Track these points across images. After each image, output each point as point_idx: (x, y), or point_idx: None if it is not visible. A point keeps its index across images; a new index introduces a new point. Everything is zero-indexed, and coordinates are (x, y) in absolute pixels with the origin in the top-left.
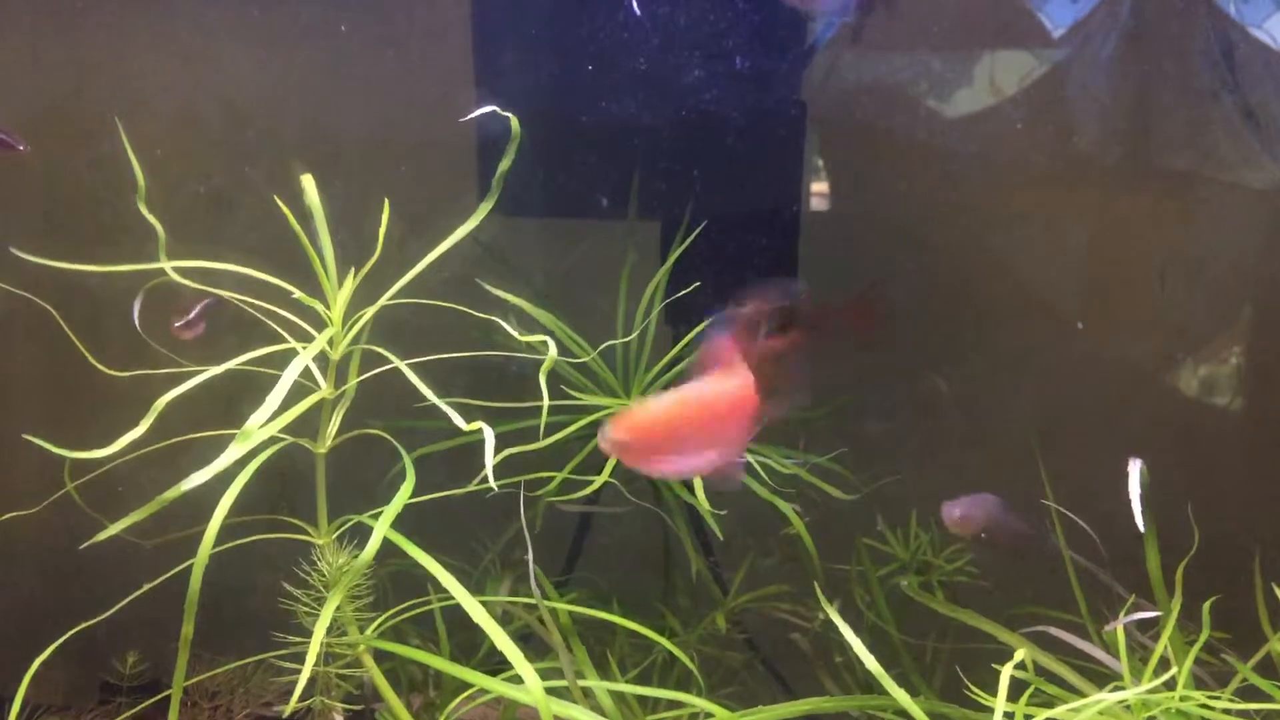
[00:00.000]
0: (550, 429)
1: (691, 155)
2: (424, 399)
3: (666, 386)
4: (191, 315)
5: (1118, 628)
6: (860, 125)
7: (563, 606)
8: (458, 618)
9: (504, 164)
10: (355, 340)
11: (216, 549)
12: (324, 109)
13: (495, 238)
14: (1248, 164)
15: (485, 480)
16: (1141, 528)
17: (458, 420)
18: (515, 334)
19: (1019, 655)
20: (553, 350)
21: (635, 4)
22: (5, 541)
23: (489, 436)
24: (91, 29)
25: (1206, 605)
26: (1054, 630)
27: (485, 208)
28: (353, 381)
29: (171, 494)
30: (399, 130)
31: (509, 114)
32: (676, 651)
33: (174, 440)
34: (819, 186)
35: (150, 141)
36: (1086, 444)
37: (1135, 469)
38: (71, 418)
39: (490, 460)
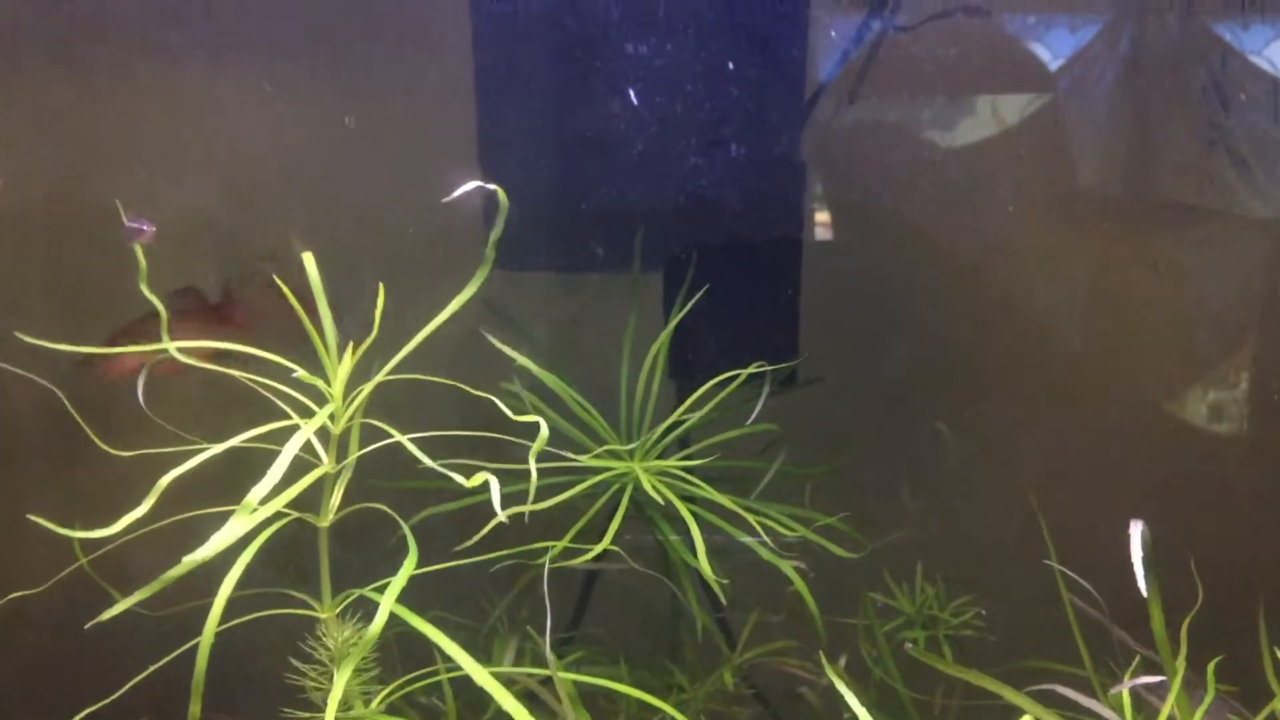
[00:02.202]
0: (554, 489)
1: (694, 216)
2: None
3: (671, 446)
4: None
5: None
6: (859, 169)
7: (570, 677)
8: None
9: (495, 232)
10: (355, 414)
11: (222, 626)
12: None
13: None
14: (1253, 194)
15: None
16: (1145, 591)
17: (460, 480)
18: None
19: None
20: (544, 431)
21: (633, 93)
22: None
23: (494, 488)
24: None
25: (1211, 666)
26: (1061, 689)
27: (482, 273)
28: (354, 455)
29: (175, 573)
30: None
31: (495, 186)
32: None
33: (176, 518)
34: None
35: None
36: (1096, 488)
37: (1137, 531)
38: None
39: (498, 500)
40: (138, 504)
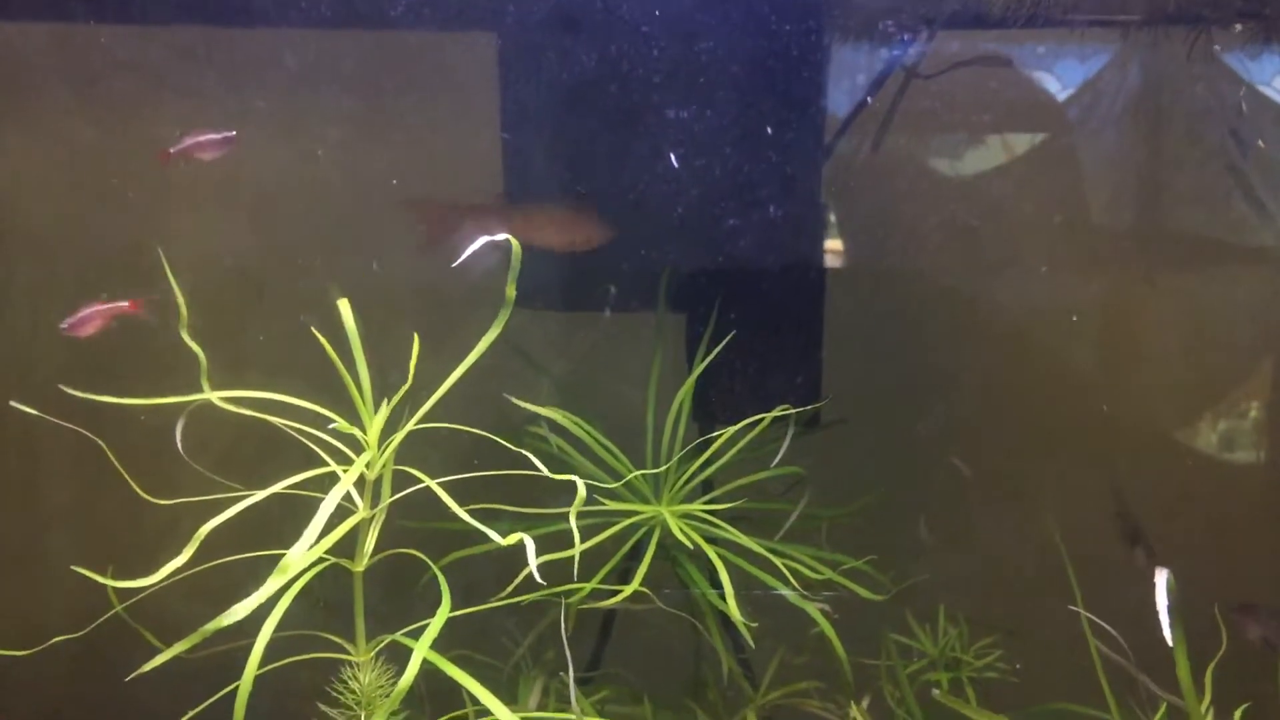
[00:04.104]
0: (582, 530)
1: (717, 257)
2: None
3: (696, 489)
4: None
5: None
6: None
7: None
8: None
9: (512, 276)
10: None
11: (261, 670)
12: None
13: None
14: (1265, 225)
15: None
16: (1170, 641)
17: (495, 538)
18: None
19: None
20: (582, 491)
21: (674, 158)
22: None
23: (530, 547)
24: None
25: (1238, 713)
26: None
27: (502, 318)
28: (387, 500)
29: (215, 625)
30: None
31: (508, 238)
32: None
33: (212, 564)
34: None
35: None
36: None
37: (1163, 579)
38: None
39: (534, 564)
40: None
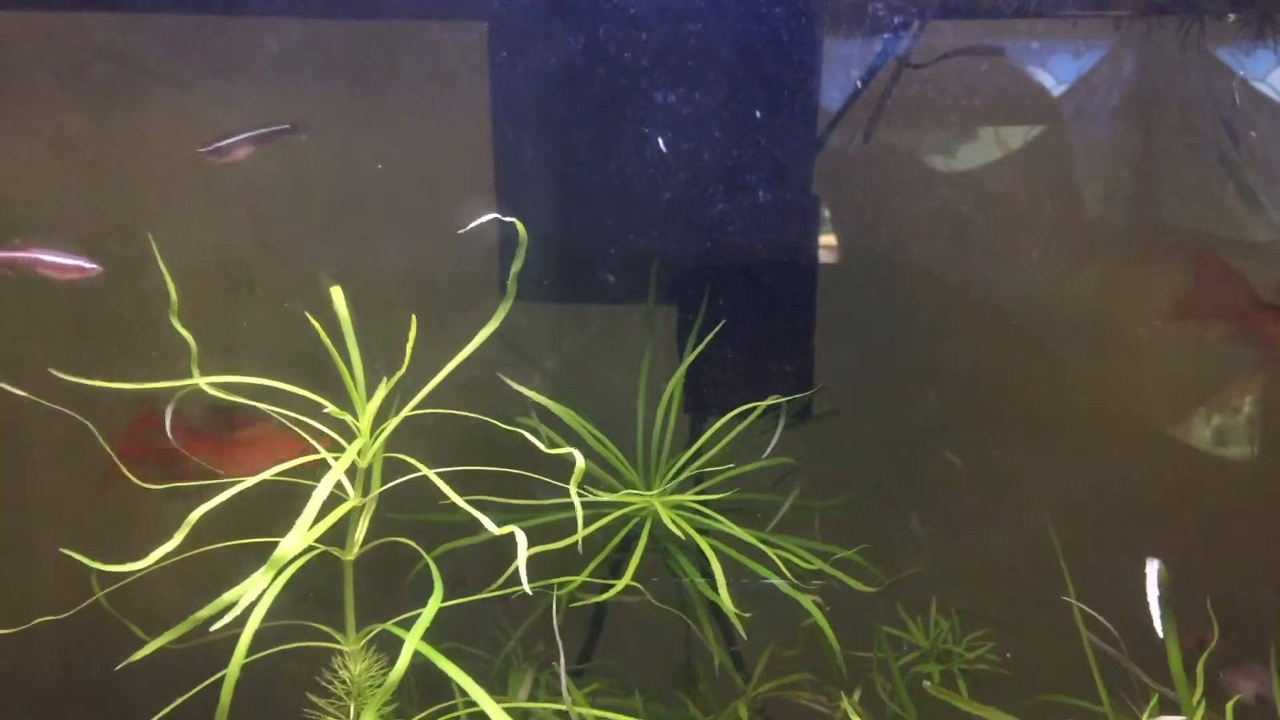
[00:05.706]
0: (573, 521)
1: (708, 249)
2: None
3: (688, 479)
4: None
5: None
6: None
7: (586, 711)
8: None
9: (516, 266)
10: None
11: (247, 659)
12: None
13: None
14: (1257, 220)
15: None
16: (1161, 633)
17: (490, 526)
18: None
19: None
20: (581, 463)
21: (662, 142)
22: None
23: (521, 541)
24: None
25: (1230, 705)
26: None
27: (503, 311)
28: (378, 489)
29: (205, 612)
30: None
31: (514, 220)
32: None
33: (201, 550)
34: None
35: None
36: (1107, 516)
37: (1153, 570)
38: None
39: (523, 560)
40: None
